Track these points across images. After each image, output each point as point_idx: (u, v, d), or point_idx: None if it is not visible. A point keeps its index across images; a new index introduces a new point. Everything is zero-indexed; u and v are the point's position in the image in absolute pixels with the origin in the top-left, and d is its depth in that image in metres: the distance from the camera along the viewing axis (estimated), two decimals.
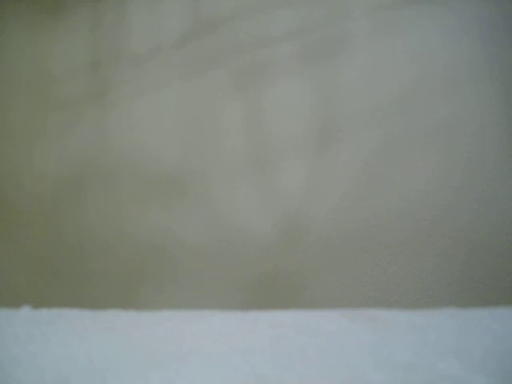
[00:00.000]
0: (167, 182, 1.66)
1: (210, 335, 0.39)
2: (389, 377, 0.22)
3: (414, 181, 1.42)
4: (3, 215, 1.86)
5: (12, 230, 1.82)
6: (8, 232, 1.83)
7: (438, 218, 1.39)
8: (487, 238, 1.34)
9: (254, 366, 0.25)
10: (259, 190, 1.55)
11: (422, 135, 1.42)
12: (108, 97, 1.76)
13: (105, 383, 0.22)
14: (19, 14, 1.93)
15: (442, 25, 1.44)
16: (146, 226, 1.66)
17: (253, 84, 1.59)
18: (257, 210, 1.54)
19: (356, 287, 1.43)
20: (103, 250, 1.70)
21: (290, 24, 1.58)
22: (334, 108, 1.51)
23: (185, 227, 1.62)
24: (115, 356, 0.31)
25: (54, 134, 1.82)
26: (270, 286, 1.51)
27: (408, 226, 1.41)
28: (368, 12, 1.50)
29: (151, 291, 1.62)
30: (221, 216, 1.58)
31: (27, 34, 1.90)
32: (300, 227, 1.49)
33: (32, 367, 0.27)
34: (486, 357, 0.26)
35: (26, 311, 0.41)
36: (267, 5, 1.61)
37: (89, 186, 1.75)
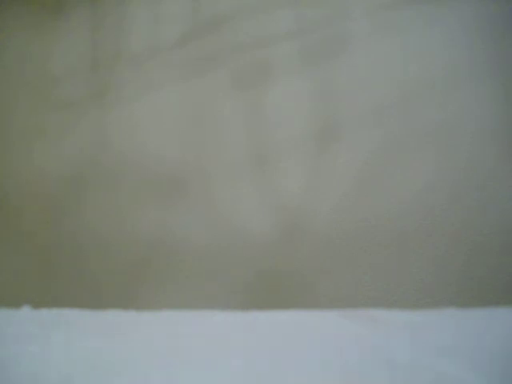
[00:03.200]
0: (167, 182, 1.66)
1: (210, 335, 0.39)
2: (389, 377, 0.22)
3: (414, 181, 1.42)
4: (3, 215, 1.86)
5: (12, 229, 1.82)
6: (8, 232, 1.83)
7: (437, 217, 1.39)
8: (487, 237, 1.34)
9: (254, 365, 0.25)
10: (259, 190, 1.55)
11: (422, 135, 1.42)
12: (108, 97, 1.76)
13: (105, 383, 0.22)
14: (19, 14, 1.93)
15: (442, 25, 1.44)
16: (145, 226, 1.66)
17: (253, 84, 1.59)
18: (257, 210, 1.54)
19: (356, 287, 1.43)
20: (103, 250, 1.70)
21: (290, 24, 1.58)
22: (334, 108, 1.51)
23: (185, 226, 1.62)
24: (115, 356, 0.31)
25: (54, 133, 1.82)
26: (270, 285, 1.51)
27: (408, 225, 1.41)
28: (368, 12, 1.50)
29: (151, 291, 1.62)
30: (221, 216, 1.58)
31: (27, 34, 1.90)
32: (300, 227, 1.49)
33: (32, 367, 0.27)
34: (486, 357, 0.26)
35: (25, 311, 0.41)
36: (267, 5, 1.61)
37: (89, 185, 1.75)
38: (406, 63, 1.46)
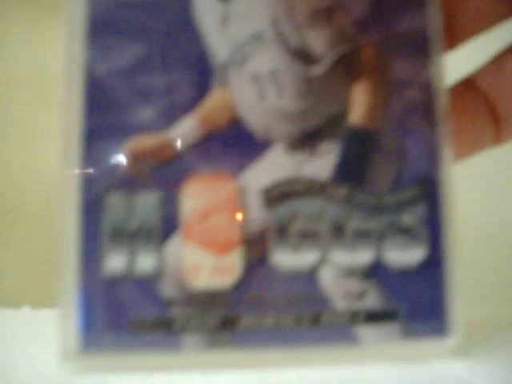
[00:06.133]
0: None
1: None
2: (388, 376, 0.23)
3: None
4: (3, 215, 1.86)
5: (12, 229, 1.82)
6: (8, 232, 1.84)
7: None
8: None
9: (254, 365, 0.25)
10: None
11: None
12: None
13: (105, 383, 0.22)
14: (18, 11, 1.92)
15: None
16: None
17: None
18: None
19: None
20: None
21: None
22: None
23: None
24: None
25: (54, 133, 1.81)
26: None
27: None
28: None
29: None
30: None
31: (26, 32, 1.90)
32: None
33: (32, 368, 0.27)
34: (486, 356, 0.25)
35: (26, 311, 0.41)
36: None
37: None
38: None
